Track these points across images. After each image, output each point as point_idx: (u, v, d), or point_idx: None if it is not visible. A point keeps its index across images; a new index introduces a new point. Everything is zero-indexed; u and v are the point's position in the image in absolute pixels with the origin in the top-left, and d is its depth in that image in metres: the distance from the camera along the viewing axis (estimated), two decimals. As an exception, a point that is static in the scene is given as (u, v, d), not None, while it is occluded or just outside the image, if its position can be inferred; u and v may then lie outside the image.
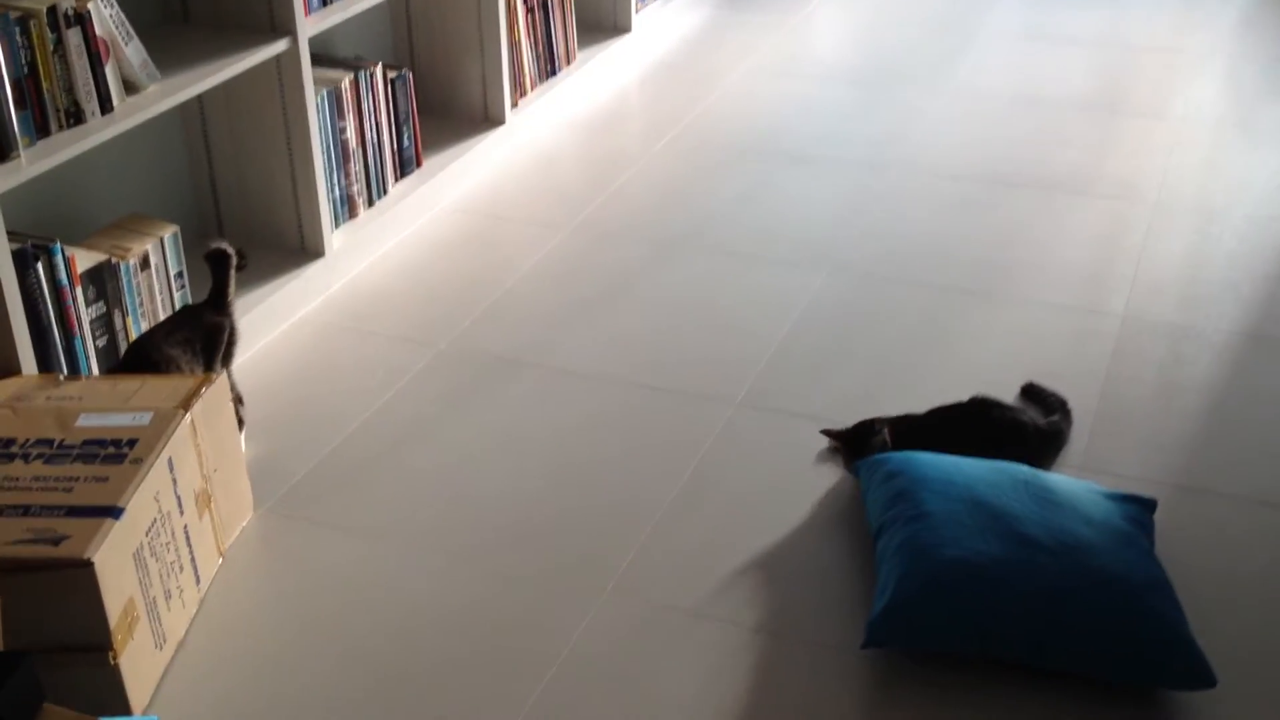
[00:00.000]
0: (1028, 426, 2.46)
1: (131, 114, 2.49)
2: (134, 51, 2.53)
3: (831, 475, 2.44)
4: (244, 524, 2.33)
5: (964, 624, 1.96)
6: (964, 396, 2.54)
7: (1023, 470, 2.20)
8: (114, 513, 1.88)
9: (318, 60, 3.13)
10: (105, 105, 2.46)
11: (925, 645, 2.01)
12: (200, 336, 2.43)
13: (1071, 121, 3.94)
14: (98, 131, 2.42)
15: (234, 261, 2.52)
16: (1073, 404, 2.58)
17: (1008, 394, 2.61)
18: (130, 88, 2.54)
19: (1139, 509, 2.17)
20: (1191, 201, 3.44)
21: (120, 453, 2.01)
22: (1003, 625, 1.95)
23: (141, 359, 2.34)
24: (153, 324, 2.63)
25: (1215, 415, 2.61)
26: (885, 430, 2.40)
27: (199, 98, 2.96)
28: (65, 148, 2.35)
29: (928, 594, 1.98)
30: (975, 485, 2.12)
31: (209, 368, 2.42)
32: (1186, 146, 3.76)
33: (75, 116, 2.41)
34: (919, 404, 2.53)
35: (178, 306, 2.71)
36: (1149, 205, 3.42)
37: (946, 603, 1.97)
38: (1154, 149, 3.74)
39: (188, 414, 2.12)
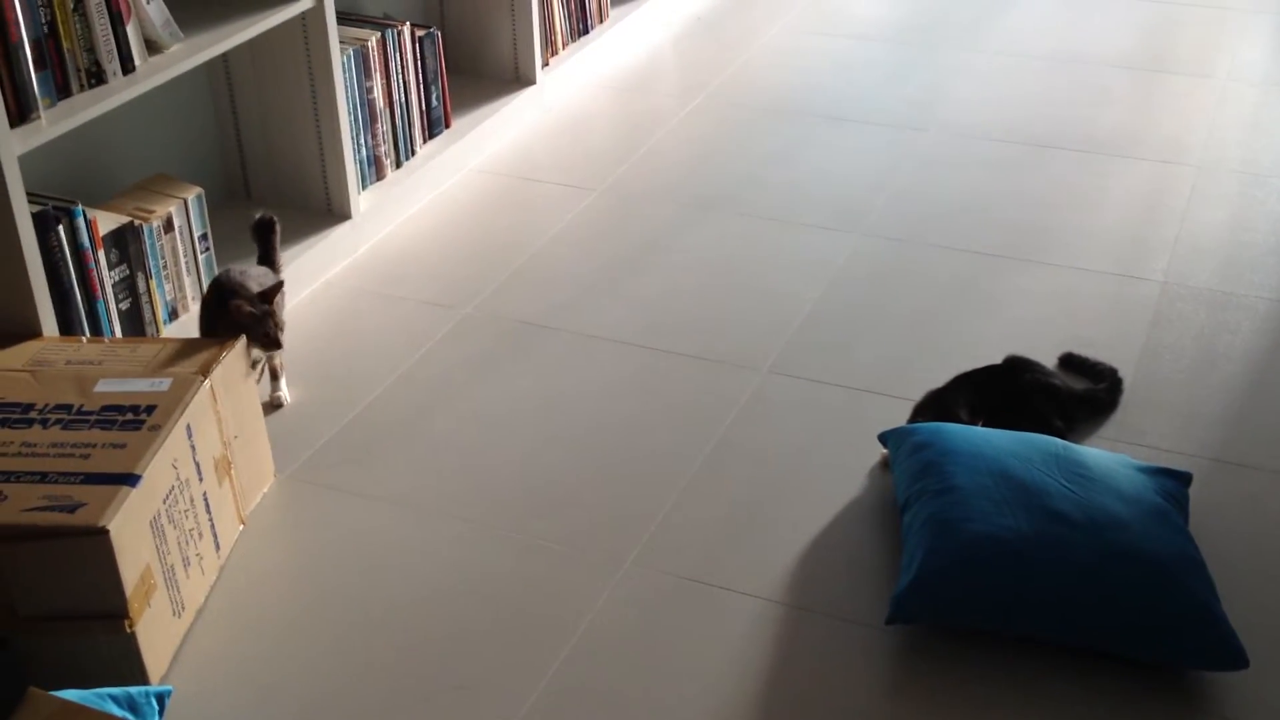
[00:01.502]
0: (1060, 390, 2.41)
1: (153, 74, 2.46)
2: (156, 10, 2.50)
3: (860, 444, 2.39)
4: (265, 490, 2.31)
5: (990, 601, 1.92)
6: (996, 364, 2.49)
7: (1055, 443, 2.15)
8: (131, 480, 1.87)
9: (344, 18, 3.10)
10: (127, 65, 2.43)
11: (950, 622, 1.97)
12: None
13: (1114, 80, 3.85)
14: (119, 92, 2.39)
15: (279, 227, 2.55)
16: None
17: (1044, 362, 2.55)
18: (152, 47, 2.51)
19: (1174, 483, 2.11)
20: (1236, 163, 3.35)
21: (138, 419, 1.99)
22: (1030, 602, 1.91)
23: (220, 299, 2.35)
24: (175, 287, 2.62)
25: (1255, 386, 2.55)
26: (966, 413, 2.36)
27: (224, 57, 2.93)
28: (86, 108, 2.33)
29: (954, 570, 1.94)
30: (1005, 459, 2.08)
31: None
32: (1232, 106, 3.66)
33: (96, 77, 2.38)
34: (952, 372, 2.48)
35: (202, 270, 2.69)
36: (1192, 167, 3.34)
37: (973, 579, 1.93)
38: (1198, 109, 3.65)
39: (207, 380, 2.10)
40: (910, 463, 2.15)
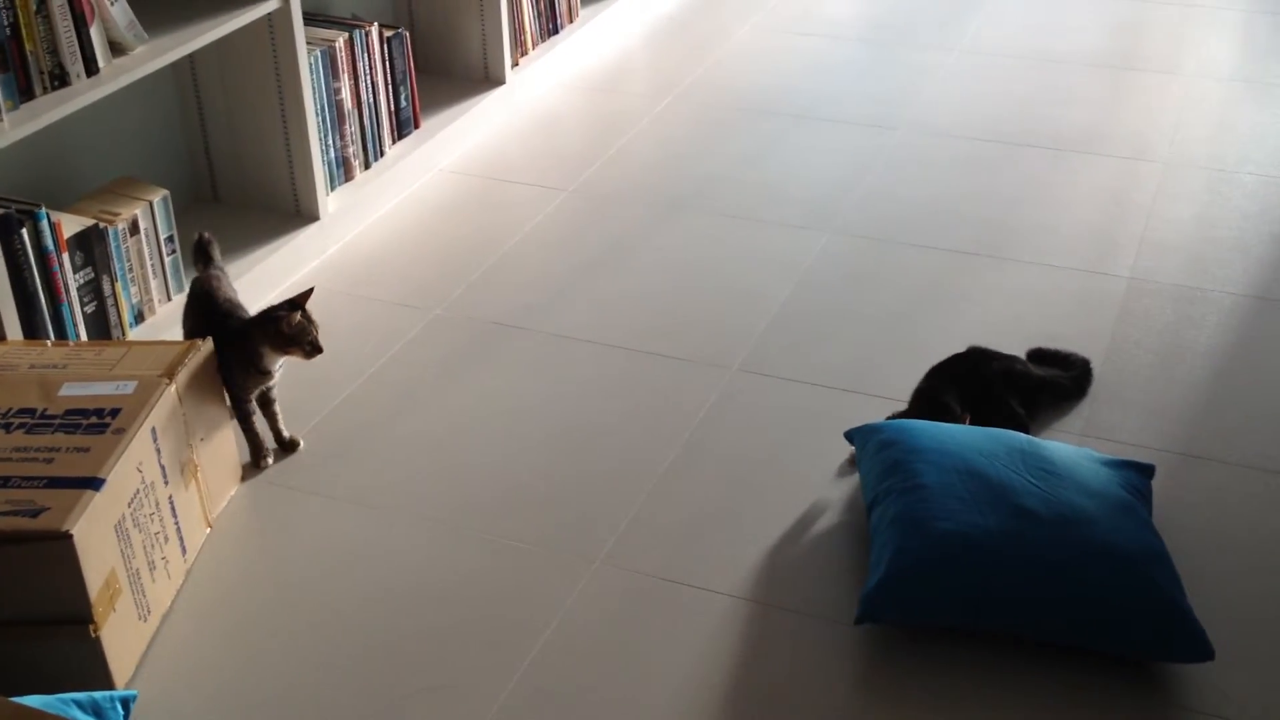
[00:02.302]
0: (1024, 376, 2.43)
1: (118, 76, 2.45)
2: (120, 12, 2.48)
3: (829, 441, 2.40)
4: (232, 493, 2.30)
5: (959, 598, 1.93)
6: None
7: (1019, 439, 2.16)
8: (95, 484, 1.86)
9: (311, 19, 3.08)
10: (91, 67, 2.42)
11: (920, 620, 1.98)
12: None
13: (1082, 78, 3.87)
14: (83, 94, 2.38)
15: (217, 246, 2.49)
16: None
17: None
18: (117, 49, 2.50)
19: (1137, 476, 2.13)
20: (1202, 160, 3.38)
21: (103, 423, 1.98)
22: (998, 599, 1.92)
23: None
24: (141, 290, 2.61)
25: (1220, 380, 2.56)
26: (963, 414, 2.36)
27: (190, 58, 2.91)
28: (49, 111, 2.32)
29: (922, 568, 1.94)
30: (971, 455, 2.08)
31: None
32: (1198, 103, 3.68)
33: (60, 79, 2.37)
34: (922, 369, 2.49)
35: (168, 272, 2.68)
36: (1159, 164, 3.36)
37: (942, 577, 1.93)
38: (1165, 106, 3.67)
39: (172, 383, 2.09)
40: (877, 460, 2.15)
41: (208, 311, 2.36)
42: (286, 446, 2.40)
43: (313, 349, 2.29)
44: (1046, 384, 2.46)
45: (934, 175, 3.35)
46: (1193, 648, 1.88)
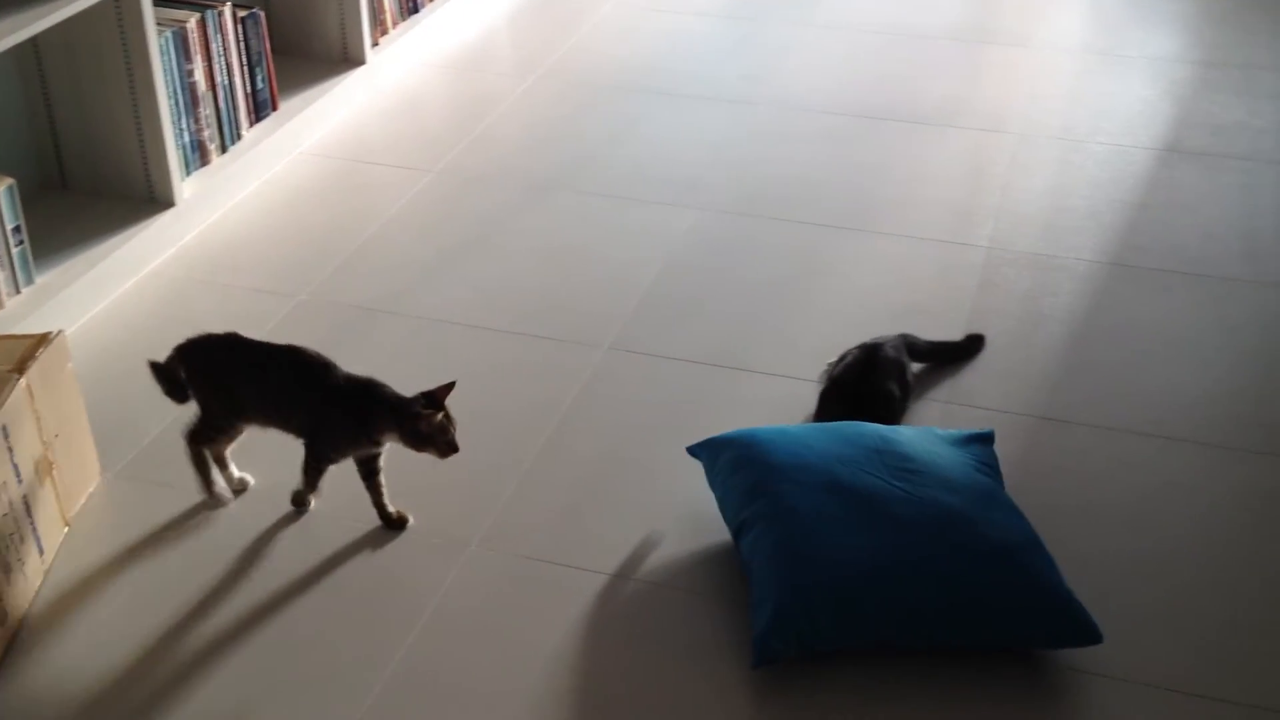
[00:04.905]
0: (914, 344, 2.49)
1: (-46, 60, 2.35)
2: (-46, -7, 2.38)
3: (702, 417, 2.41)
4: (91, 489, 2.23)
5: (851, 624, 1.89)
6: (833, 333, 2.53)
7: (871, 434, 2.11)
8: (-58, 486, 1.79)
9: (161, -1, 2.99)
10: (-76, 51, 2.32)
11: (816, 650, 1.91)
12: None
13: (940, 52, 3.94)
14: (-83, 80, 2.28)
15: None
16: (940, 337, 2.58)
17: (876, 328, 2.57)
18: (-48, 32, 2.40)
19: (983, 448, 2.14)
20: (1055, 130, 3.46)
21: (-51, 421, 1.90)
22: (888, 616, 1.89)
23: None
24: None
25: (1077, 345, 2.64)
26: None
27: (34, 41, 2.80)
28: (-119, 98, 2.22)
29: (811, 601, 1.88)
30: (831, 465, 2.03)
31: None
32: (1051, 75, 3.78)
33: (-109, 64, 2.26)
34: (790, 342, 2.52)
35: (15, 264, 2.58)
36: (1014, 135, 3.44)
37: (831, 606, 1.88)
38: (1019, 78, 3.76)
39: (23, 378, 2.02)
40: (734, 483, 2.08)
41: (294, 363, 2.16)
42: (395, 524, 2.19)
43: (449, 449, 2.11)
44: (940, 347, 2.54)
45: (798, 149, 3.38)
46: (1083, 633, 1.89)
